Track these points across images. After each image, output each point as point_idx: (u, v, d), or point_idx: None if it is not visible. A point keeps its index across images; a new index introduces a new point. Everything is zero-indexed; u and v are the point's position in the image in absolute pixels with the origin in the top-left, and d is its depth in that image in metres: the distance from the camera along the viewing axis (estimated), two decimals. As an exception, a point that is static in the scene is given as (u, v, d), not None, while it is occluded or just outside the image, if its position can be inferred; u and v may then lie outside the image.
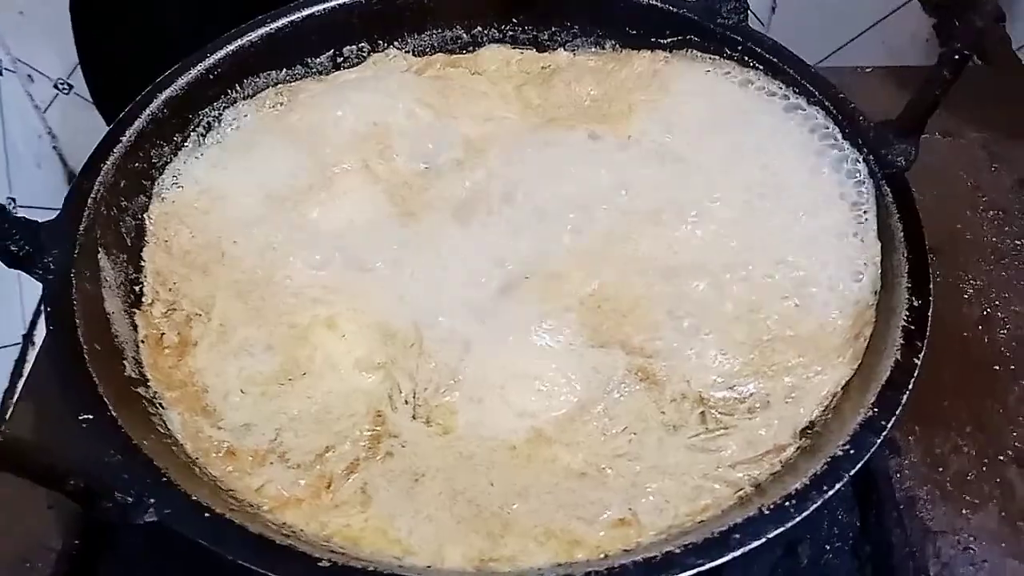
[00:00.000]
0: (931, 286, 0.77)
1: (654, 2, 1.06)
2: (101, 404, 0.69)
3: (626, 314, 0.80)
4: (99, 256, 0.83)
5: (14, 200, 1.66)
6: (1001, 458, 0.91)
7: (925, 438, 0.93)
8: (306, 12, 1.04)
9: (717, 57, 1.03)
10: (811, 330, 0.80)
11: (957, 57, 0.82)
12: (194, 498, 0.64)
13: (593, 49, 1.10)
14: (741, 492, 0.71)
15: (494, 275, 0.84)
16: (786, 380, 0.77)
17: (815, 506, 0.64)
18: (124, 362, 0.78)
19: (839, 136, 0.92)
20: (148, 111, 0.92)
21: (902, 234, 0.81)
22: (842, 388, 0.76)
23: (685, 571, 0.60)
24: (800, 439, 0.74)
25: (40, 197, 1.79)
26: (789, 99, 0.97)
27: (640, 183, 0.91)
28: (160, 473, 0.65)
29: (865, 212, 0.86)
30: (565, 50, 1.11)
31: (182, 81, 0.96)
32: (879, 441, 0.67)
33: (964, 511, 0.87)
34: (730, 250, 0.86)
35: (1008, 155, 1.25)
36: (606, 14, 1.08)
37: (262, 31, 1.02)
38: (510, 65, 1.09)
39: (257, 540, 0.62)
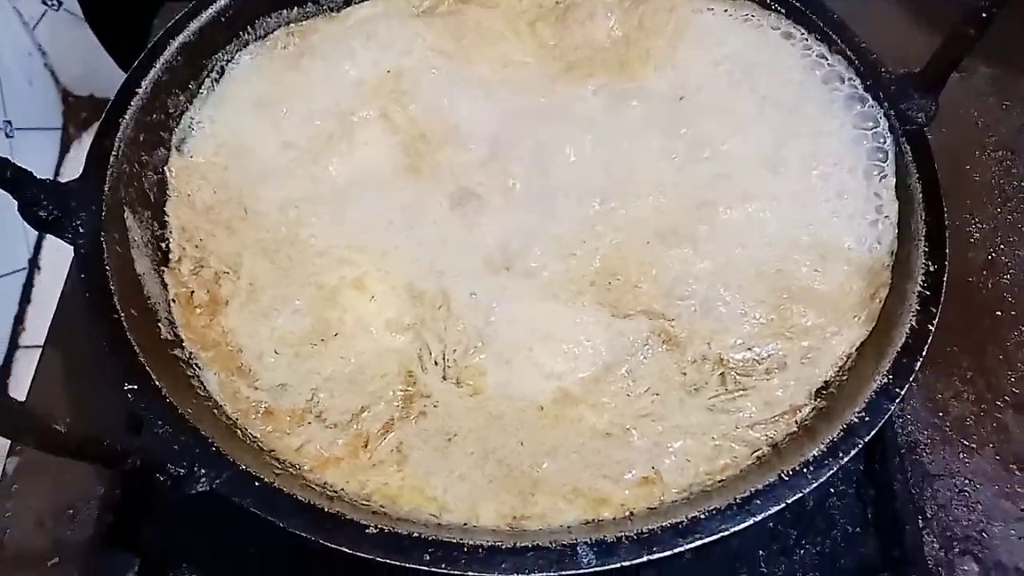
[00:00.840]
0: (947, 250, 0.79)
1: (676, -64, 1.03)
2: (144, 374, 0.71)
3: (637, 284, 0.82)
4: (125, 215, 0.83)
5: (11, 123, 1.63)
6: (999, 403, 0.96)
7: (927, 384, 0.97)
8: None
9: (738, -2, 1.02)
10: (829, 290, 0.82)
11: (984, 15, 0.82)
12: (243, 467, 0.67)
13: (611, -18, 1.07)
14: (759, 452, 0.75)
15: (501, 249, 0.85)
16: (803, 342, 0.80)
17: (831, 472, 0.68)
18: (159, 324, 0.79)
19: (860, 88, 0.91)
20: (162, 59, 0.90)
21: (920, 195, 0.83)
22: (856, 349, 0.79)
23: (711, 536, 0.65)
24: (815, 399, 0.77)
25: (35, 117, 1.76)
26: (811, 47, 0.96)
27: (655, 142, 0.91)
28: (208, 442, 0.68)
29: (884, 169, 0.87)
30: (583, -19, 1.08)
31: (194, 26, 0.94)
32: (893, 408, 0.71)
33: (961, 455, 0.92)
34: (746, 209, 0.87)
35: (1019, 91, 1.24)
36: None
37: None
38: (522, 1, 1.07)
39: (307, 508, 0.65)
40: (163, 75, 0.90)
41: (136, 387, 0.70)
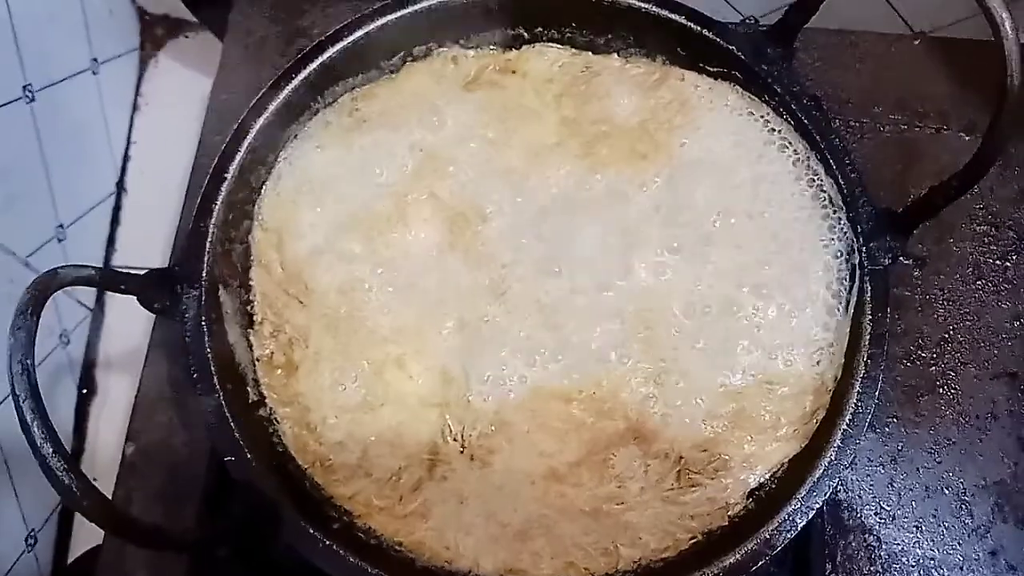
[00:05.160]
0: (876, 395, 0.97)
1: (705, 32, 1.12)
2: (240, 449, 0.95)
3: (616, 395, 1.01)
4: (219, 292, 1.03)
5: (96, 60, 1.78)
6: (917, 470, 1.16)
7: (861, 450, 1.17)
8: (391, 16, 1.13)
9: (756, 99, 1.12)
10: (778, 406, 1.01)
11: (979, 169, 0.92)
12: (310, 530, 0.92)
13: (644, 60, 1.17)
14: (695, 539, 0.98)
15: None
16: (747, 449, 1.00)
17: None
18: (247, 388, 1.02)
19: (843, 219, 1.05)
20: (247, 142, 1.06)
21: (868, 339, 0.99)
22: (788, 461, 1.00)
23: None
24: (747, 499, 0.99)
25: (115, 44, 1.89)
26: (809, 165, 1.08)
27: (643, 250, 1.06)
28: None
29: (846, 303, 1.02)
30: (619, 56, 1.18)
31: (273, 107, 1.08)
32: (800, 527, 0.93)
33: (876, 515, 1.14)
34: (711, 325, 1.03)
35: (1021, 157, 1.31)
36: (661, 35, 1.14)
37: (346, 42, 1.11)
38: (552, 68, 1.17)
39: (354, 568, 0.91)
40: (247, 156, 1.06)
41: (233, 459, 0.94)
